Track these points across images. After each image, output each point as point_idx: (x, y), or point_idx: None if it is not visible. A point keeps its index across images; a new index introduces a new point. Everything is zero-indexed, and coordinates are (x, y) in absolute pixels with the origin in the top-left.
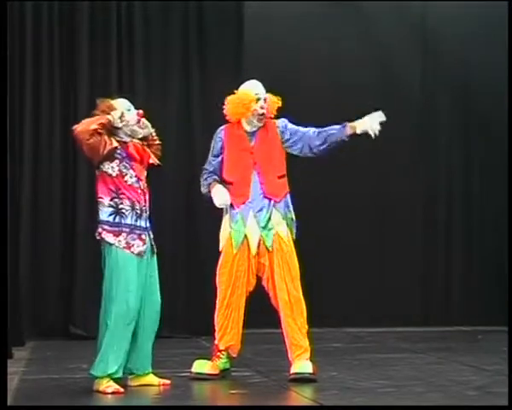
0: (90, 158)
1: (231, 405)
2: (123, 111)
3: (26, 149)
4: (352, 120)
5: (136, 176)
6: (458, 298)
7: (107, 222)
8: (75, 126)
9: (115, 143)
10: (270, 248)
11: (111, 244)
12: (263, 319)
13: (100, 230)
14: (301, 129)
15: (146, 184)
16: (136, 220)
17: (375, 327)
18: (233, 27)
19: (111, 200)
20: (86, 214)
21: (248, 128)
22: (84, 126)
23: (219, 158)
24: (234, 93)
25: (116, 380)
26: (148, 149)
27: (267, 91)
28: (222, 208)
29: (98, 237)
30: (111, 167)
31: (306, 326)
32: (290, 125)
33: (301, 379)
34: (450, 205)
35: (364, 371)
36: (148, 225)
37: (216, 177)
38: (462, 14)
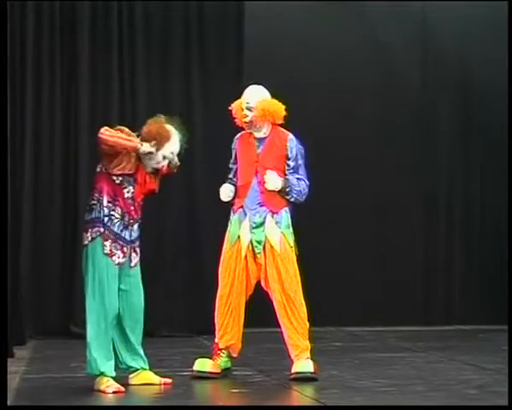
0: (101, 155)
1: (232, 404)
2: (165, 155)
3: (26, 150)
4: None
5: (133, 194)
6: (459, 297)
7: (102, 221)
8: (104, 132)
9: (128, 171)
10: (258, 250)
11: (99, 245)
12: (264, 319)
13: (97, 227)
14: (295, 172)
15: (141, 204)
16: (121, 231)
17: (376, 326)
18: (233, 27)
19: (108, 202)
20: None
21: (256, 134)
22: (112, 141)
23: (236, 166)
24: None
25: (117, 379)
26: (155, 179)
27: (270, 93)
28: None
29: (93, 232)
30: (116, 176)
31: (306, 325)
32: (296, 153)
33: (302, 378)
34: (451, 204)
35: (365, 371)
36: (132, 238)
37: (232, 182)
38: (462, 14)
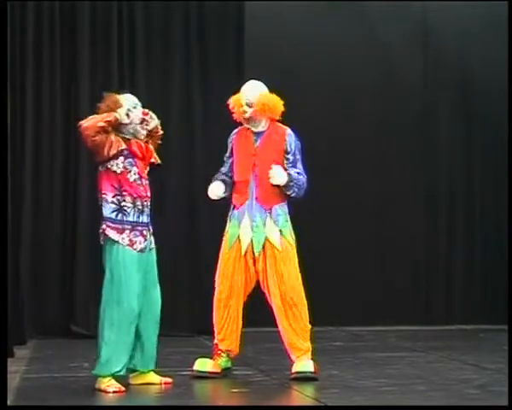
0: (94, 154)
1: (233, 404)
2: (129, 108)
3: (27, 150)
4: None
5: (138, 173)
6: (459, 297)
7: (109, 219)
8: (81, 122)
9: (123, 145)
10: (257, 253)
11: (114, 241)
12: (264, 318)
13: (104, 226)
14: (294, 167)
15: (147, 182)
16: (138, 217)
17: (376, 326)
18: (234, 27)
19: (113, 196)
20: (87, 214)
21: (253, 128)
22: (91, 123)
23: (229, 160)
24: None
25: (118, 379)
26: (150, 147)
27: (269, 91)
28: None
29: (101, 233)
30: (116, 164)
31: (307, 327)
32: (295, 148)
33: (302, 378)
34: (451, 204)
35: (365, 370)
36: (148, 220)
37: (224, 177)
38: (462, 14)
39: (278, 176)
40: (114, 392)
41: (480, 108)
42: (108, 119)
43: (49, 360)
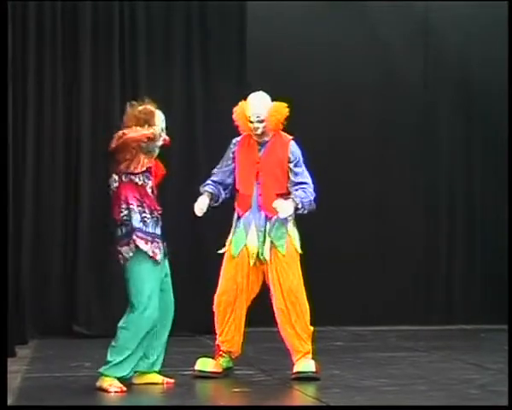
0: (117, 162)
1: (234, 404)
2: (162, 128)
3: (28, 150)
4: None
5: (151, 187)
6: (460, 297)
7: (139, 229)
8: (125, 131)
9: (148, 164)
10: (264, 260)
11: (142, 252)
12: (266, 318)
13: (134, 237)
14: (298, 178)
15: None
16: (155, 229)
17: (377, 326)
18: (235, 27)
19: (137, 207)
20: (89, 214)
21: (260, 140)
22: (137, 136)
23: (228, 167)
24: (243, 100)
25: (120, 379)
26: (161, 166)
27: (271, 95)
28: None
29: (131, 244)
30: (137, 177)
31: (310, 329)
32: (298, 156)
33: (304, 378)
34: (451, 204)
35: (367, 370)
36: (162, 232)
37: (212, 186)
38: (463, 14)
39: (284, 209)
40: (116, 392)
41: (480, 108)
42: (149, 135)
43: (50, 359)
